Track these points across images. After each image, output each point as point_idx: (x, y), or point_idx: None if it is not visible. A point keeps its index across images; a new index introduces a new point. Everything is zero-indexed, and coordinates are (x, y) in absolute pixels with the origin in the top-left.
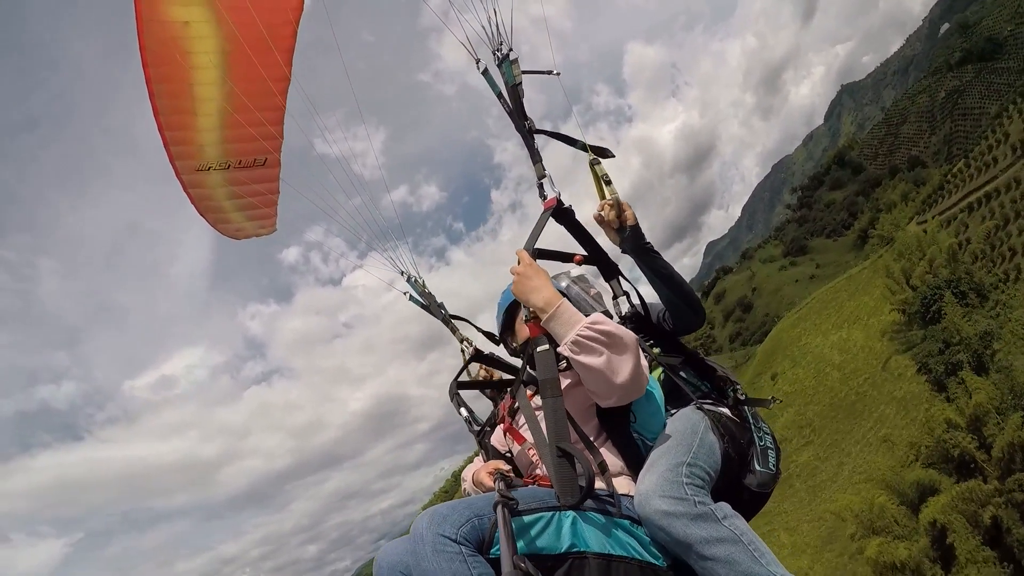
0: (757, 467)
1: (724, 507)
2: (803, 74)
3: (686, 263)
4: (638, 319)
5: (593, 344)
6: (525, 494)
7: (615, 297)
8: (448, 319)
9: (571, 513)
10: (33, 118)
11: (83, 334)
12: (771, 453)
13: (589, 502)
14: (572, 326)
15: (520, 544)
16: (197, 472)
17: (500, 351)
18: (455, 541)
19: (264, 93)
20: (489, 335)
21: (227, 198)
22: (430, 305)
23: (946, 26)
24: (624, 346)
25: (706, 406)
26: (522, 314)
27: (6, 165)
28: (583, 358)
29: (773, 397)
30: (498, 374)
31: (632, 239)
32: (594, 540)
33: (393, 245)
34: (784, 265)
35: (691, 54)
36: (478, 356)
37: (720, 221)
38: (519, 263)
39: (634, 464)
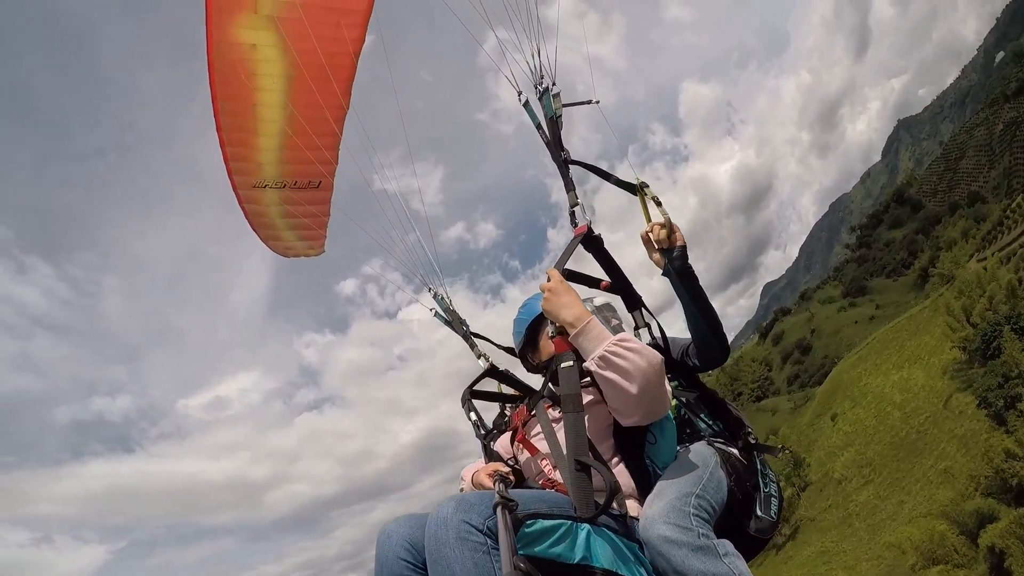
0: (759, 512)
1: (726, 544)
2: (859, 109)
3: (743, 304)
4: (657, 351)
5: (619, 361)
6: (548, 497)
7: (636, 328)
8: (469, 335)
9: (586, 526)
10: (103, 146)
11: (141, 351)
12: (774, 501)
13: (603, 518)
14: (600, 342)
15: (539, 547)
16: (244, 492)
17: (515, 366)
18: (481, 531)
19: (322, 119)
20: (508, 350)
21: (280, 216)
22: (453, 322)
23: (1001, 55)
24: (650, 365)
25: (717, 444)
26: (548, 330)
27: (77, 189)
28: (608, 374)
29: (782, 447)
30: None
31: (680, 259)
32: (604, 557)
33: (422, 262)
34: (843, 306)
35: (746, 91)
36: (492, 372)
37: (777, 262)
38: (549, 280)
39: (644, 489)
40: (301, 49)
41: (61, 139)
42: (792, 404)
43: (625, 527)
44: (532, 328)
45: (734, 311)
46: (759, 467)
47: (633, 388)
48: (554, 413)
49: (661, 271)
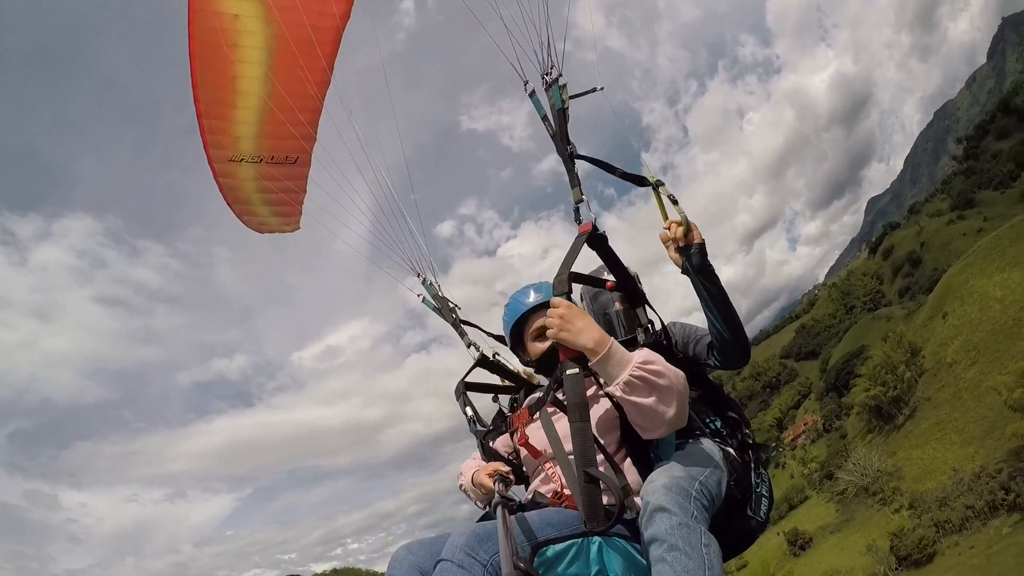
0: (749, 512)
1: (714, 542)
2: (960, 6)
3: (846, 221)
4: (660, 348)
5: (644, 385)
6: (556, 520)
7: (639, 325)
8: (458, 323)
9: (597, 539)
10: (193, 123)
11: (254, 312)
12: (764, 502)
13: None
14: (624, 367)
15: (558, 569)
16: (360, 434)
17: (506, 356)
18: (484, 566)
19: (303, 94)
20: (499, 338)
21: (256, 191)
22: (443, 309)
23: None
24: (673, 385)
25: (718, 443)
26: (530, 332)
27: (175, 168)
28: (635, 398)
29: (775, 445)
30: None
31: (699, 257)
32: (618, 566)
33: (411, 246)
34: (952, 219)
35: None
36: (483, 362)
37: (881, 175)
38: (557, 307)
39: None
40: (285, 21)
41: (153, 123)
42: (906, 311)
43: (634, 529)
44: (516, 330)
45: (837, 228)
46: (753, 466)
47: (658, 409)
48: (558, 415)
49: (680, 270)
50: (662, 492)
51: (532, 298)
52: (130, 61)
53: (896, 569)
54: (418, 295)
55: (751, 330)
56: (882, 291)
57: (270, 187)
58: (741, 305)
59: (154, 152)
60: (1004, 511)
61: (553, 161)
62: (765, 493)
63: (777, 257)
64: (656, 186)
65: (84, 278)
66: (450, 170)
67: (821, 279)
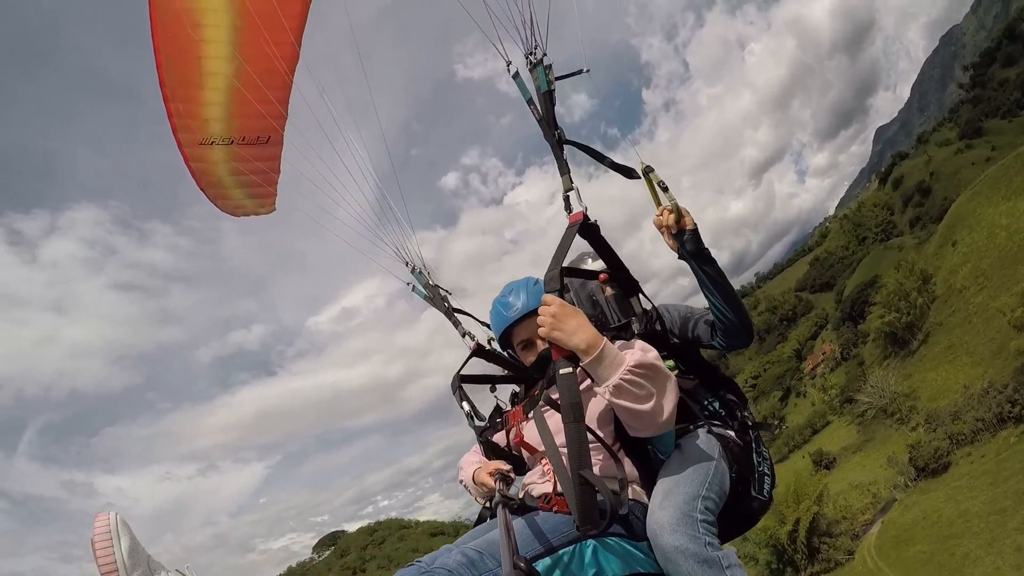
0: (753, 492)
1: (730, 555)
2: None
3: (855, 152)
4: (655, 336)
5: (633, 389)
6: (548, 527)
7: (633, 314)
8: (451, 312)
9: (591, 542)
10: None
11: (267, 281)
12: (767, 480)
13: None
14: (616, 368)
15: None
16: (383, 392)
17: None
18: None
19: (272, 72)
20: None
21: (228, 174)
22: (434, 297)
23: None
24: (664, 389)
25: (715, 430)
26: (517, 344)
27: (170, 145)
28: (622, 401)
29: (776, 423)
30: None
31: (692, 243)
32: (617, 567)
33: (400, 235)
34: (960, 148)
35: None
36: (480, 352)
37: (888, 103)
38: (549, 305)
39: (645, 472)
40: None
41: (140, 103)
42: (916, 240)
43: (628, 524)
44: (504, 341)
45: (846, 159)
46: (753, 446)
47: (648, 413)
48: (551, 413)
49: (677, 255)
50: (670, 534)
51: (512, 311)
52: (105, 43)
53: (915, 480)
54: (407, 283)
55: (765, 264)
56: (893, 221)
57: (243, 169)
58: (752, 241)
59: (146, 132)
60: (1011, 422)
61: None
62: (767, 471)
63: (786, 190)
64: (646, 172)
65: (96, 267)
66: (450, 121)
67: (832, 211)
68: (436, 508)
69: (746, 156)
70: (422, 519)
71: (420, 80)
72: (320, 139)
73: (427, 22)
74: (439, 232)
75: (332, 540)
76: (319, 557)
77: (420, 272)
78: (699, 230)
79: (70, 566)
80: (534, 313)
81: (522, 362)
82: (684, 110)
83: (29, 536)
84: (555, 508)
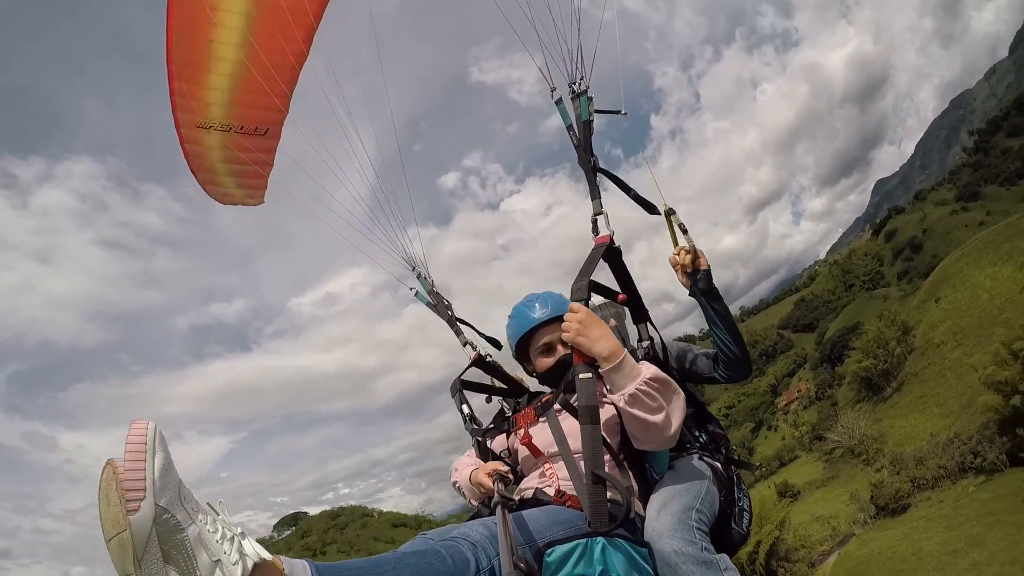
0: (733, 525)
1: (725, 559)
2: None
3: (852, 200)
4: (656, 362)
5: (647, 400)
6: (560, 519)
7: (640, 340)
8: (453, 321)
9: (600, 539)
10: None
11: (254, 257)
12: (746, 515)
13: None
14: (633, 379)
15: (563, 572)
16: (356, 381)
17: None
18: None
19: (279, 65)
20: (492, 341)
21: (221, 160)
22: (437, 304)
23: None
24: (675, 403)
25: (705, 458)
26: (537, 346)
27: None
28: (636, 411)
29: (759, 464)
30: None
31: (705, 281)
32: (620, 567)
33: (406, 240)
34: (956, 209)
35: None
36: (480, 363)
37: (891, 158)
38: (575, 312)
39: (644, 490)
40: None
41: (159, 65)
42: (902, 292)
43: (633, 529)
44: (522, 344)
45: (843, 207)
46: (736, 482)
47: (658, 426)
48: (565, 416)
49: (688, 292)
50: (669, 539)
51: (539, 313)
52: (132, 1)
53: (874, 517)
54: (411, 288)
55: (751, 299)
56: (881, 272)
57: (237, 157)
58: (741, 275)
59: (160, 95)
60: (972, 472)
61: (560, 119)
62: (746, 507)
63: (781, 230)
64: (668, 214)
65: (85, 221)
66: (457, 121)
67: (822, 255)
68: (396, 502)
69: (745, 192)
70: (384, 510)
71: (432, 77)
72: (328, 126)
73: (447, 22)
74: (432, 229)
75: (293, 520)
76: (279, 536)
77: (424, 278)
78: (711, 271)
79: (24, 518)
80: (557, 320)
81: (535, 369)
82: (689, 140)
83: None
84: (567, 504)
